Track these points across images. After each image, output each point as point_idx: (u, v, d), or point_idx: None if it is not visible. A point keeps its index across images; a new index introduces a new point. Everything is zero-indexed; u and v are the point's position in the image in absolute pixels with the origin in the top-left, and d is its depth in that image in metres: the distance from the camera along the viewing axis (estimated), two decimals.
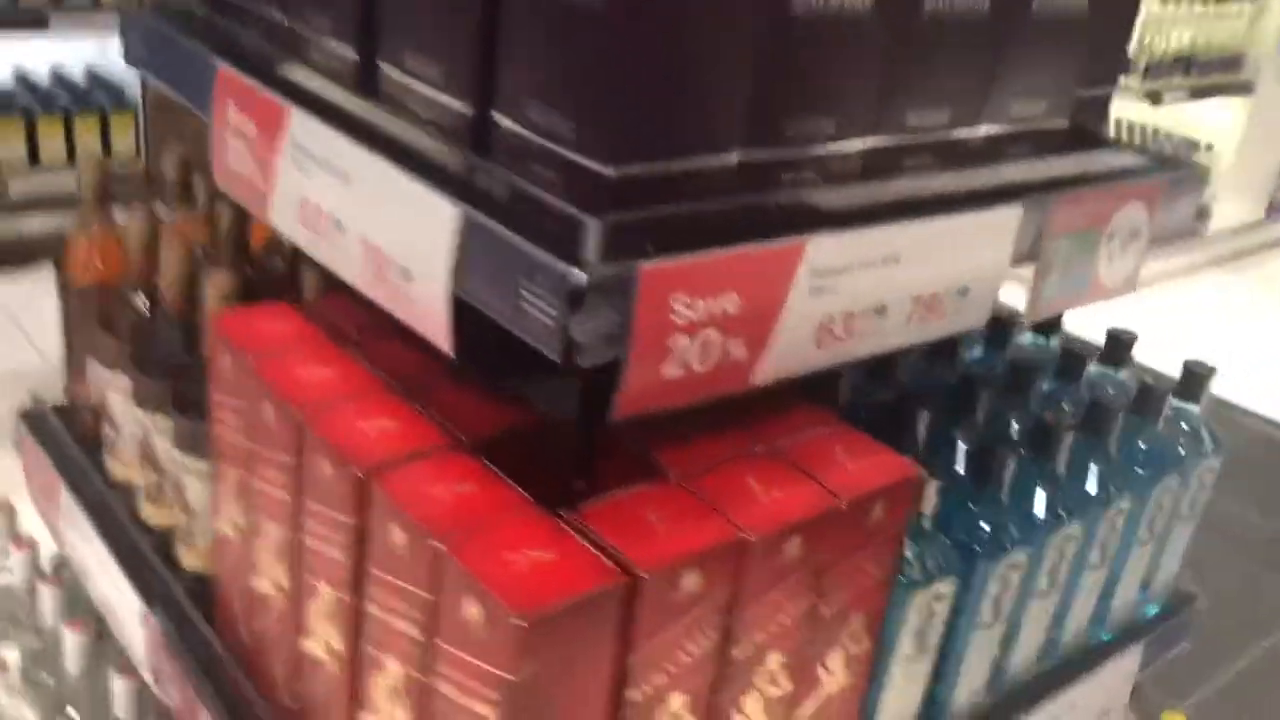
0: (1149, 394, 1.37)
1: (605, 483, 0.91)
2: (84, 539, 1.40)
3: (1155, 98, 5.59)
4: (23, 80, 4.37)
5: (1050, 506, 1.21)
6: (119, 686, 1.38)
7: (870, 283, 0.94)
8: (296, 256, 1.29)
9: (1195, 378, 1.43)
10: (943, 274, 1.00)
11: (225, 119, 1.13)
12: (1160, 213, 1.24)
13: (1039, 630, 1.29)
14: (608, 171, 0.78)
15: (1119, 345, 1.47)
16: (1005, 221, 1.05)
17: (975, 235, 1.02)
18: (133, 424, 1.28)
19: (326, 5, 1.03)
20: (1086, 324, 1.50)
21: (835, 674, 1.01)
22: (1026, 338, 1.56)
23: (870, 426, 1.23)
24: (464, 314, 0.85)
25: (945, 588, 1.10)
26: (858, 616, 0.99)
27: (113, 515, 1.37)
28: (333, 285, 1.14)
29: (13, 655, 1.63)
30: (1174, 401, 1.42)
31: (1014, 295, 1.20)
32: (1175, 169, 1.24)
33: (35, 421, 1.55)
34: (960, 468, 1.19)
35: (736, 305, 0.84)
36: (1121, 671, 1.43)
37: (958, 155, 1.03)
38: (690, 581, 0.82)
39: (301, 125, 1.01)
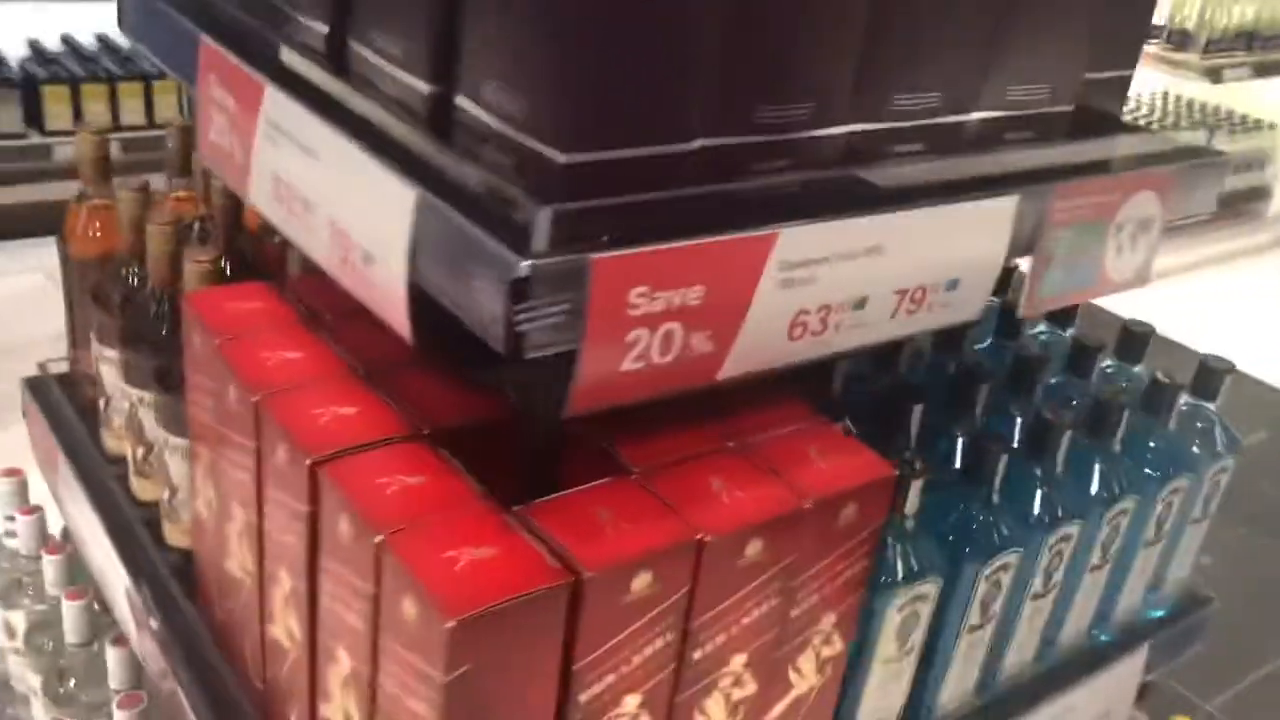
0: (1159, 391, 1.32)
1: (564, 478, 0.88)
2: (79, 509, 1.41)
3: (1215, 75, 5.41)
4: (69, 43, 4.41)
5: (1047, 506, 1.17)
6: (113, 656, 1.39)
7: (848, 275, 0.90)
8: None
9: (1212, 374, 1.37)
10: (930, 266, 0.97)
11: (209, 93, 1.11)
12: (1177, 201, 1.19)
13: (1034, 632, 1.25)
14: (558, 157, 0.76)
15: (1134, 339, 1.42)
16: (999, 212, 1.00)
17: (966, 226, 0.98)
18: (121, 398, 1.28)
19: None
20: (1138, 310, 1.45)
21: (807, 675, 0.99)
22: (1040, 328, 1.51)
23: (864, 419, 1.20)
24: (441, 300, 0.83)
25: (928, 588, 1.07)
26: (829, 618, 0.97)
27: (105, 487, 1.37)
28: (315, 265, 1.13)
29: (19, 620, 1.65)
30: (1189, 399, 1.37)
31: None
32: (1192, 156, 1.19)
33: (39, 390, 1.56)
34: (954, 464, 1.15)
35: (701, 297, 0.81)
36: (1124, 675, 1.39)
37: (947, 141, 0.99)
38: (641, 582, 0.79)
39: (274, 101, 0.99)
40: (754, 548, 0.86)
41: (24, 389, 1.58)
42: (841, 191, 0.90)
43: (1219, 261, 5.15)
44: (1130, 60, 1.20)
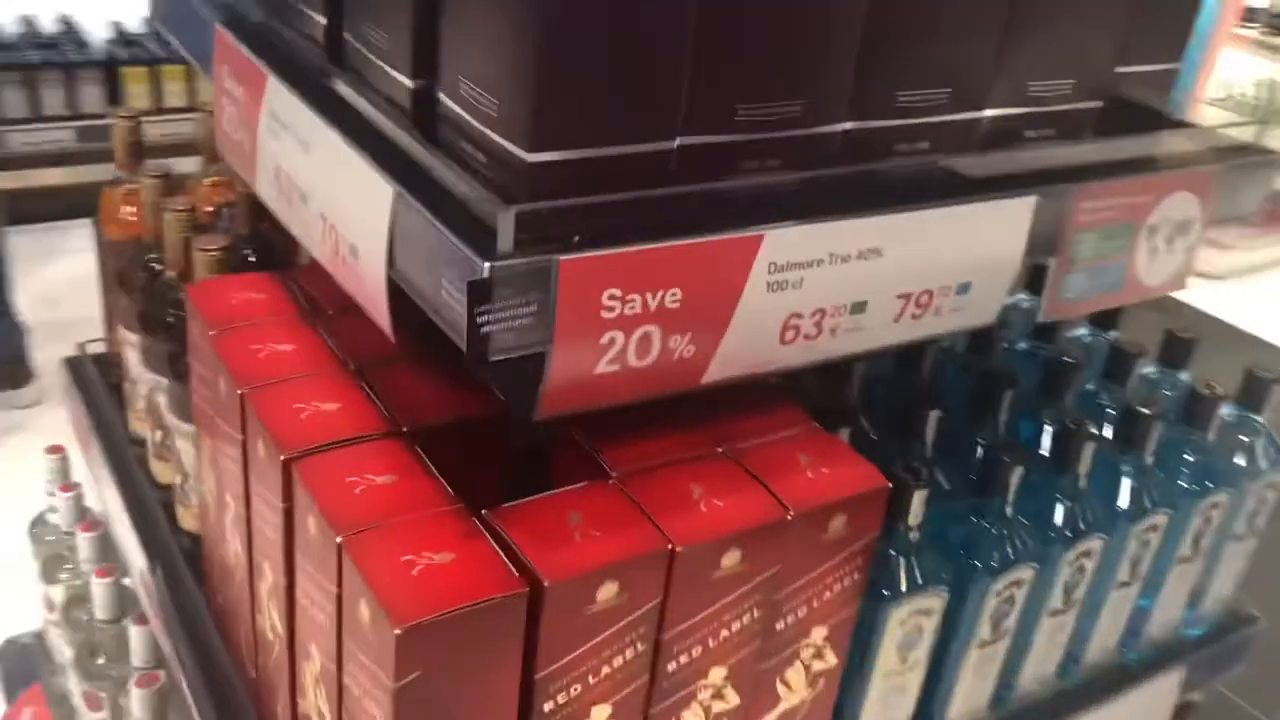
0: (1199, 400, 1.25)
1: (541, 480, 0.87)
2: (107, 487, 1.44)
3: None
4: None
5: (1067, 519, 1.13)
6: (134, 634, 1.42)
7: (843, 277, 0.87)
8: None
9: (1259, 384, 1.30)
10: (936, 269, 0.93)
11: (222, 83, 1.12)
12: (1220, 202, 1.13)
13: (1054, 648, 1.20)
14: (524, 156, 0.74)
15: (1178, 346, 1.35)
16: (1015, 212, 0.96)
17: (977, 227, 0.94)
18: (141, 382, 1.30)
19: None
20: (1232, 307, 1.38)
21: (796, 689, 0.96)
22: (1082, 330, 1.46)
23: (882, 423, 1.16)
24: (415, 298, 0.82)
25: (932, 602, 1.03)
26: (820, 631, 0.94)
27: (129, 468, 1.39)
28: None
29: (58, 594, 1.69)
30: (1235, 410, 1.30)
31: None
32: (1238, 155, 1.13)
33: (76, 369, 1.59)
34: (972, 474, 1.11)
35: (680, 300, 0.79)
36: (1157, 694, 1.34)
37: (956, 140, 0.94)
38: (607, 593, 0.77)
39: (275, 92, 0.99)
40: (731, 558, 0.83)
41: (64, 368, 1.62)
42: (835, 192, 0.87)
43: None
44: (1174, 54, 1.14)
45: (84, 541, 1.56)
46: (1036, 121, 1.00)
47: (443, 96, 0.83)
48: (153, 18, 1.35)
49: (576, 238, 0.75)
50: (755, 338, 0.85)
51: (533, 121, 0.73)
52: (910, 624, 1.03)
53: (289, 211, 0.99)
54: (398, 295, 0.82)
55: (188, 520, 1.25)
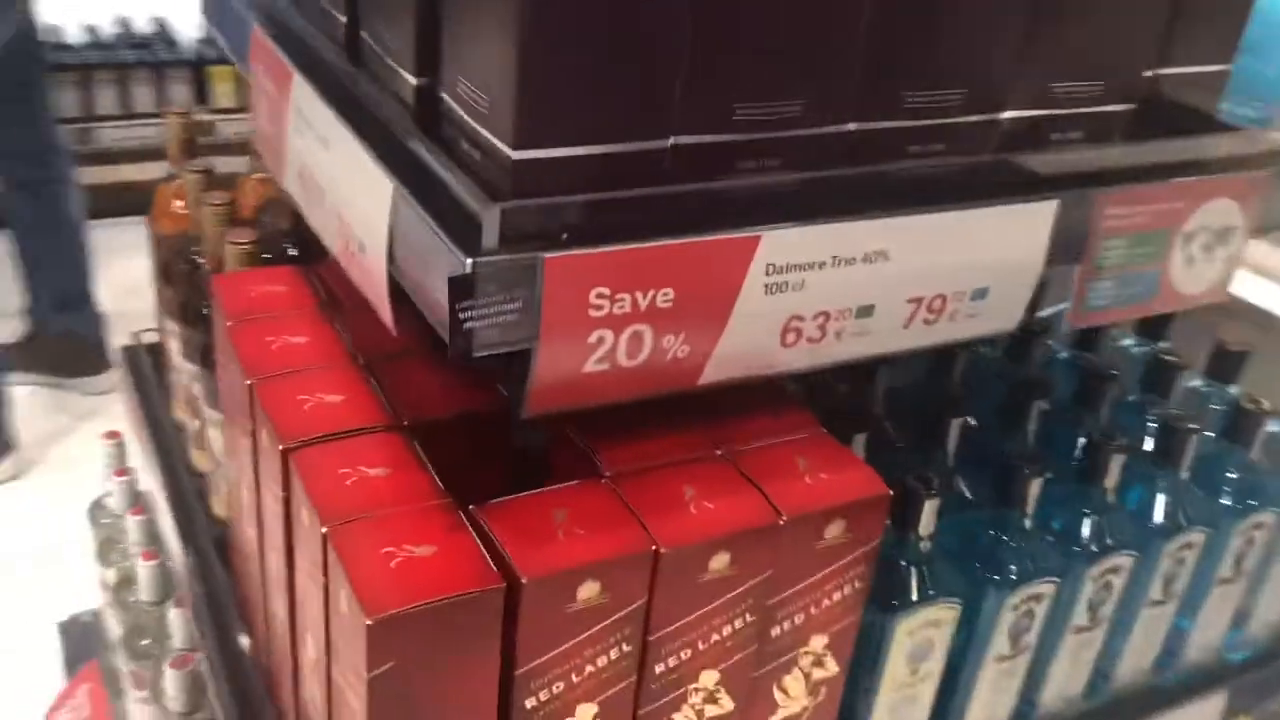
0: (1245, 416, 1.21)
1: (539, 479, 0.87)
2: (153, 473, 1.48)
3: None
4: None
5: (1094, 534, 1.09)
6: (174, 617, 1.45)
7: (848, 280, 0.86)
8: None
9: None
10: (949, 273, 0.91)
11: (258, 80, 1.14)
12: (1265, 208, 1.09)
13: (1080, 666, 1.17)
14: (510, 154, 0.74)
15: (1228, 357, 1.31)
16: (1035, 217, 0.94)
17: (994, 231, 0.92)
18: (183, 371, 1.34)
19: None
20: None
21: (796, 697, 0.94)
22: (1129, 340, 1.41)
23: (908, 431, 1.14)
24: (410, 293, 0.83)
25: (943, 614, 1.01)
26: (820, 639, 0.92)
27: (172, 455, 1.43)
28: None
29: (111, 576, 1.74)
30: None
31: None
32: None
33: (131, 357, 1.64)
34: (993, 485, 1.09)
35: (672, 300, 0.79)
36: (1194, 718, 1.29)
37: (972, 141, 0.92)
38: (589, 591, 0.77)
39: (300, 89, 1.00)
40: (720, 561, 0.82)
41: (121, 355, 1.67)
42: (838, 193, 0.85)
43: None
44: (1225, 54, 1.10)
45: (133, 525, 1.60)
46: (1061, 124, 0.97)
47: (444, 94, 0.84)
48: (204, 16, 1.39)
49: (565, 236, 0.75)
50: (754, 339, 0.84)
51: (518, 118, 0.73)
52: (920, 635, 1.01)
53: (311, 207, 1.01)
54: (400, 290, 0.83)
55: (218, 507, 1.28)
